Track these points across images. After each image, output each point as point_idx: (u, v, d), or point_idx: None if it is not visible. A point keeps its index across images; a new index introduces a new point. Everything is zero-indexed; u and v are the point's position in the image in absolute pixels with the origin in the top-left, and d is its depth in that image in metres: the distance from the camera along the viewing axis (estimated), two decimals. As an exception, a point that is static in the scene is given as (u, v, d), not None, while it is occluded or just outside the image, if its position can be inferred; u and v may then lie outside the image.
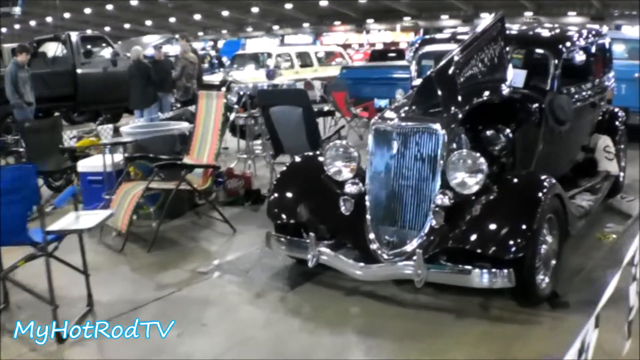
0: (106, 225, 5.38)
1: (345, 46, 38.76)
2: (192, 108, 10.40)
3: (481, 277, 3.69)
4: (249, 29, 55.50)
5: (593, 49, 5.85)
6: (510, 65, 4.92)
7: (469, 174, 3.98)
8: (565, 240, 4.42)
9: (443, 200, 3.98)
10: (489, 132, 4.66)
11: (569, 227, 4.39)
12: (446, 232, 3.96)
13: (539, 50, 5.39)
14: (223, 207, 6.73)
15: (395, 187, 4.19)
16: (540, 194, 3.99)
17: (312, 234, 4.20)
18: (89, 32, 16.27)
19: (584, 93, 5.62)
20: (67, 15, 49.87)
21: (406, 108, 4.31)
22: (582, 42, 5.59)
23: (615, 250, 4.97)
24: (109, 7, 47.75)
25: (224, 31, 56.91)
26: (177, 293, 4.56)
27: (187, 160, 6.29)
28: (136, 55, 11.90)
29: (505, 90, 4.82)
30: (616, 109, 6.58)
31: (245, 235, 5.83)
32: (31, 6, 39.08)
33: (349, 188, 4.37)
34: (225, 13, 50.80)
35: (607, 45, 6.46)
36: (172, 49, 19.31)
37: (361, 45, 45.64)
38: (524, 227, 3.78)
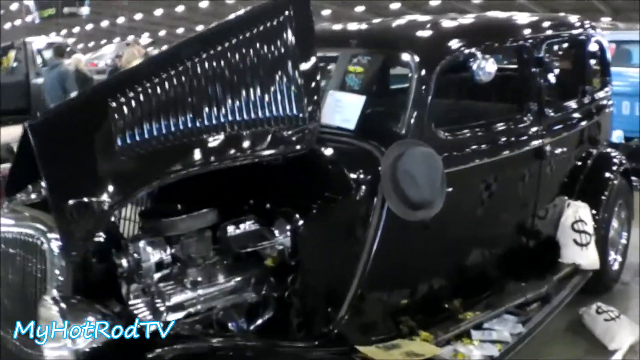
0: None
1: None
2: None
3: None
4: (320, 31, 53.83)
5: (541, 52, 3.23)
6: (321, 89, 2.46)
7: None
8: None
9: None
10: (246, 227, 2.30)
11: None
12: None
13: (393, 58, 2.86)
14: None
15: None
16: None
17: None
18: (45, 38, 14.78)
19: (511, 134, 3.06)
20: (138, 16, 49.77)
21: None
22: (504, 40, 3.07)
23: None
24: (179, 8, 47.03)
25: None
26: None
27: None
28: (75, 66, 10.12)
29: (301, 138, 2.36)
30: (613, 152, 3.92)
31: None
32: (102, 7, 38.84)
33: None
34: (294, 14, 49.31)
35: (589, 47, 3.78)
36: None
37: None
38: None
